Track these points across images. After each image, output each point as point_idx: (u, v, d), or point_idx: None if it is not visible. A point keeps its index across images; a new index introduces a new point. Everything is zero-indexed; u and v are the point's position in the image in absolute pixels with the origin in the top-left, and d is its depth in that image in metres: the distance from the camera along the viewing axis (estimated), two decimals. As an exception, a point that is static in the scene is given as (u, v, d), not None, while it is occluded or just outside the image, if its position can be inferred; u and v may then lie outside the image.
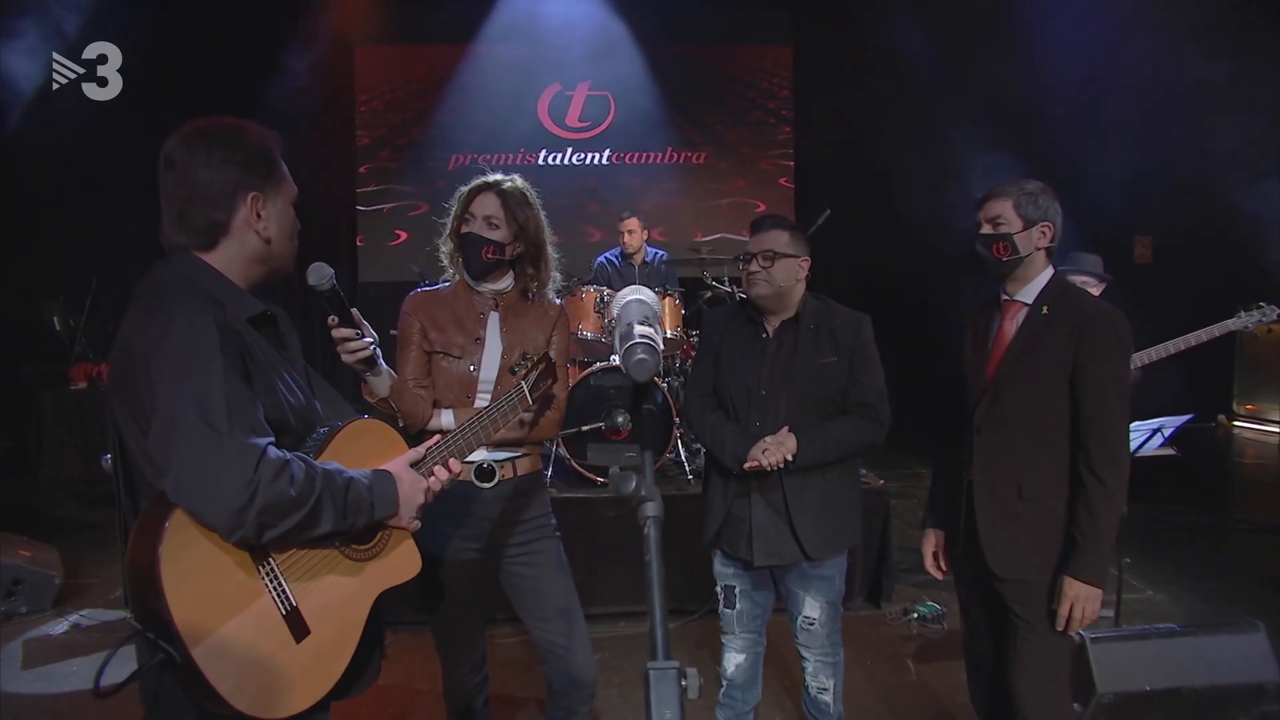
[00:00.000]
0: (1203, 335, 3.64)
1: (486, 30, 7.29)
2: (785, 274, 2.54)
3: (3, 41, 4.71)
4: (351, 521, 1.45)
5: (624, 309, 1.24)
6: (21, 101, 4.89)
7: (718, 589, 2.76)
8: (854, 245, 7.40)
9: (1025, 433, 2.25)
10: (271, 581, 1.41)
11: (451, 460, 1.75)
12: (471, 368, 2.27)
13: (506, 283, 2.36)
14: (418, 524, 1.64)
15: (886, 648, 3.84)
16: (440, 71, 7.44)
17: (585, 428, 4.24)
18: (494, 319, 2.33)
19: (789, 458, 2.40)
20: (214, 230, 1.50)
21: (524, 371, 2.03)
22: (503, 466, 2.29)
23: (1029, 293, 2.30)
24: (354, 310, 1.93)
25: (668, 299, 4.68)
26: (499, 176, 2.34)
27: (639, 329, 1.11)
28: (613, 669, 3.69)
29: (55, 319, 7.23)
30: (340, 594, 1.50)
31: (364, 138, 7.66)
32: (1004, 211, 2.27)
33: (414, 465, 1.65)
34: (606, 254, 5.66)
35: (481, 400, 2.28)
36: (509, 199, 2.29)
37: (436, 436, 1.80)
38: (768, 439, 2.44)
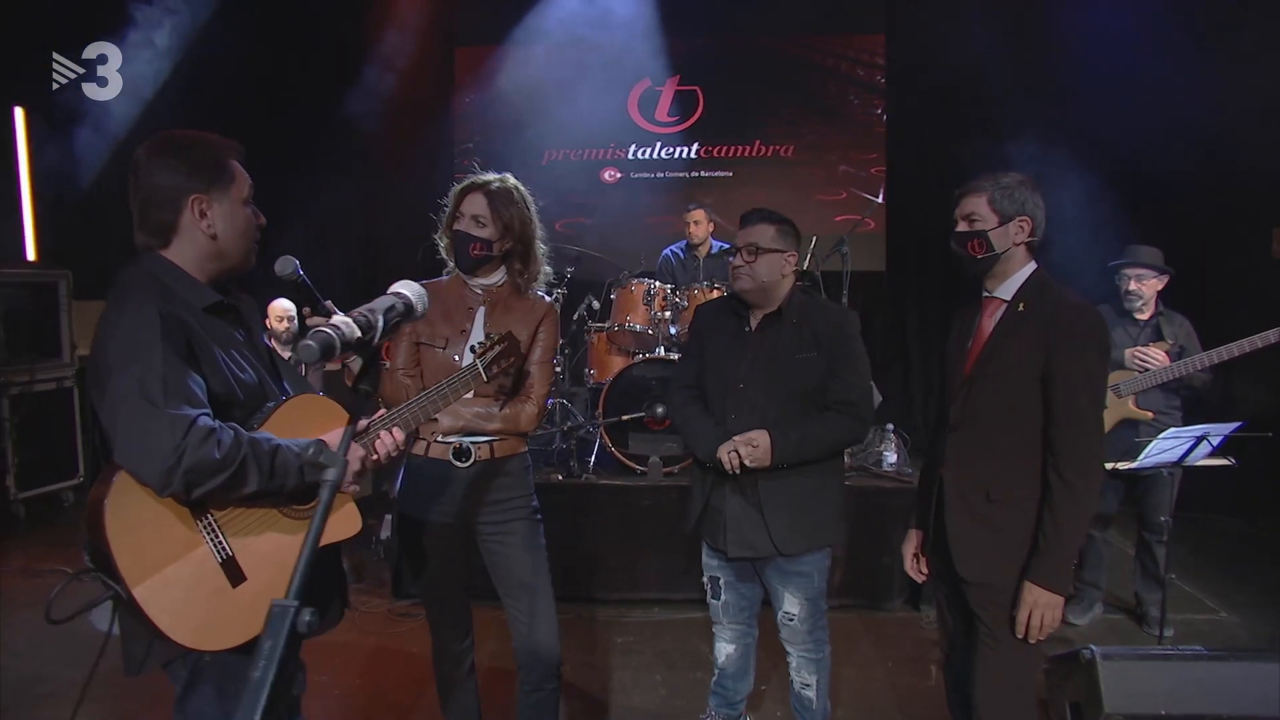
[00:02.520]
0: (1270, 336, 3.41)
1: (579, 28, 7.47)
2: (768, 269, 2.58)
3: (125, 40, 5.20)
4: (279, 483, 1.63)
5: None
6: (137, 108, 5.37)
7: (704, 579, 2.83)
8: (948, 238, 7.16)
9: (997, 432, 2.22)
10: (209, 533, 1.62)
11: (396, 430, 1.89)
12: (456, 357, 2.42)
13: (498, 277, 2.49)
14: (356, 488, 1.80)
15: (914, 650, 3.79)
16: (534, 69, 7.67)
17: (626, 417, 4.36)
18: (481, 312, 2.47)
19: (746, 463, 2.45)
20: (165, 229, 1.72)
21: (483, 349, 2.14)
22: (478, 448, 2.42)
23: (1007, 289, 2.25)
24: (328, 301, 2.11)
25: (716, 291, 4.73)
26: (489, 176, 2.46)
27: (338, 316, 1.22)
28: (633, 652, 3.81)
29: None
30: (277, 547, 1.70)
31: (461, 134, 8.01)
32: (978, 208, 2.24)
33: (354, 435, 1.82)
34: (671, 247, 5.74)
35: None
36: (495, 198, 2.41)
37: (381, 411, 1.95)
38: (737, 438, 2.50)
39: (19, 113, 5.76)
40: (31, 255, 5.98)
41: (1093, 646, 2.83)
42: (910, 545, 2.55)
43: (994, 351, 2.23)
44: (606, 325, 4.92)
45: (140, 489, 1.54)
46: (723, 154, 7.83)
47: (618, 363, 4.84)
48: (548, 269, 2.56)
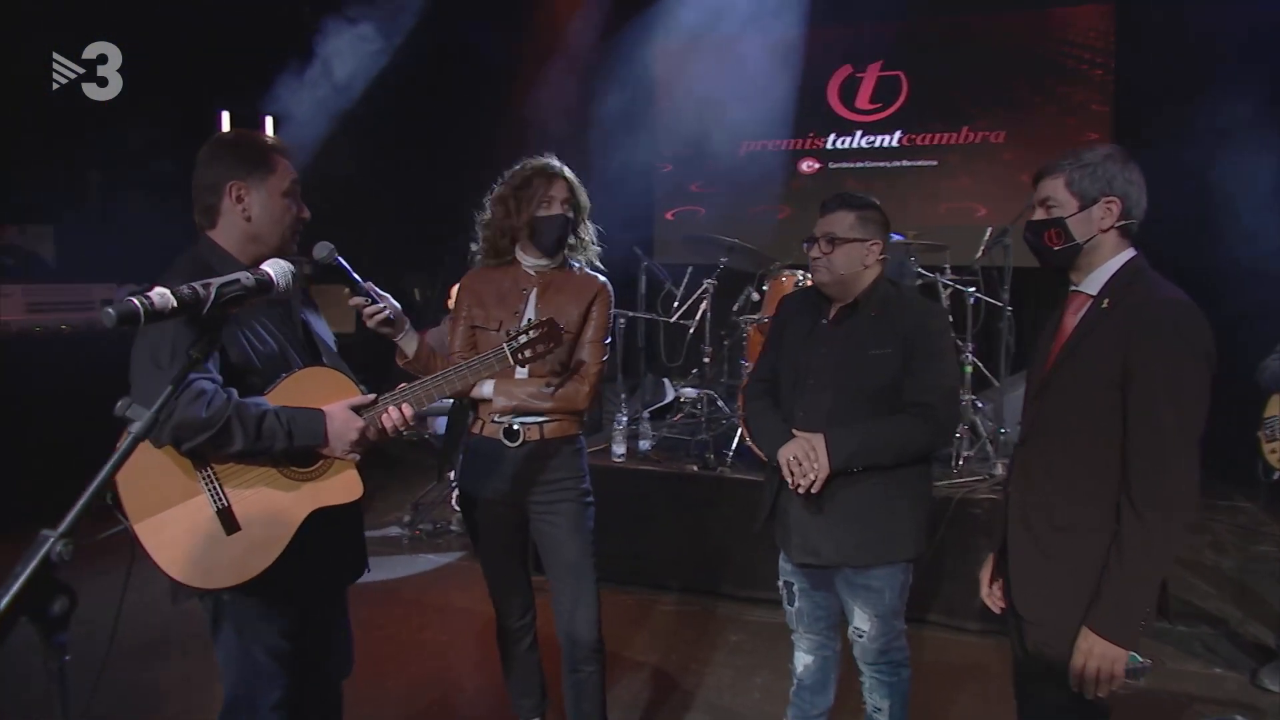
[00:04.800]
0: None
1: (778, 15, 7.30)
2: (847, 260, 2.39)
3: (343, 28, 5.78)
4: (266, 445, 1.77)
5: None
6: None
7: (779, 583, 2.69)
8: (1178, 234, 6.22)
9: (1068, 448, 1.90)
10: (209, 484, 1.79)
11: (405, 406, 1.98)
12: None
13: (556, 259, 2.54)
14: (356, 456, 1.91)
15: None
16: (732, 59, 7.60)
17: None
18: (534, 294, 2.51)
19: (803, 485, 2.30)
20: (210, 211, 1.94)
21: (516, 333, 2.17)
22: (527, 429, 2.47)
23: (1093, 283, 1.91)
24: (369, 282, 2.22)
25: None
26: (557, 161, 2.54)
27: (157, 289, 1.24)
28: (741, 652, 3.71)
29: (416, 290, 8.75)
30: (273, 504, 1.84)
31: (662, 130, 8.08)
32: (1055, 192, 1.92)
33: (359, 408, 1.92)
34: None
35: (520, 372, 2.48)
36: (572, 183, 2.53)
37: (402, 384, 2.03)
38: (791, 446, 2.34)
39: (269, 121, 6.65)
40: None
41: (1238, 717, 2.35)
42: (987, 570, 2.25)
43: (1070, 355, 1.91)
44: (758, 317, 4.80)
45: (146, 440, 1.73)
46: (927, 142, 7.36)
47: (767, 356, 4.70)
48: (596, 247, 2.61)
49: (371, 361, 2.42)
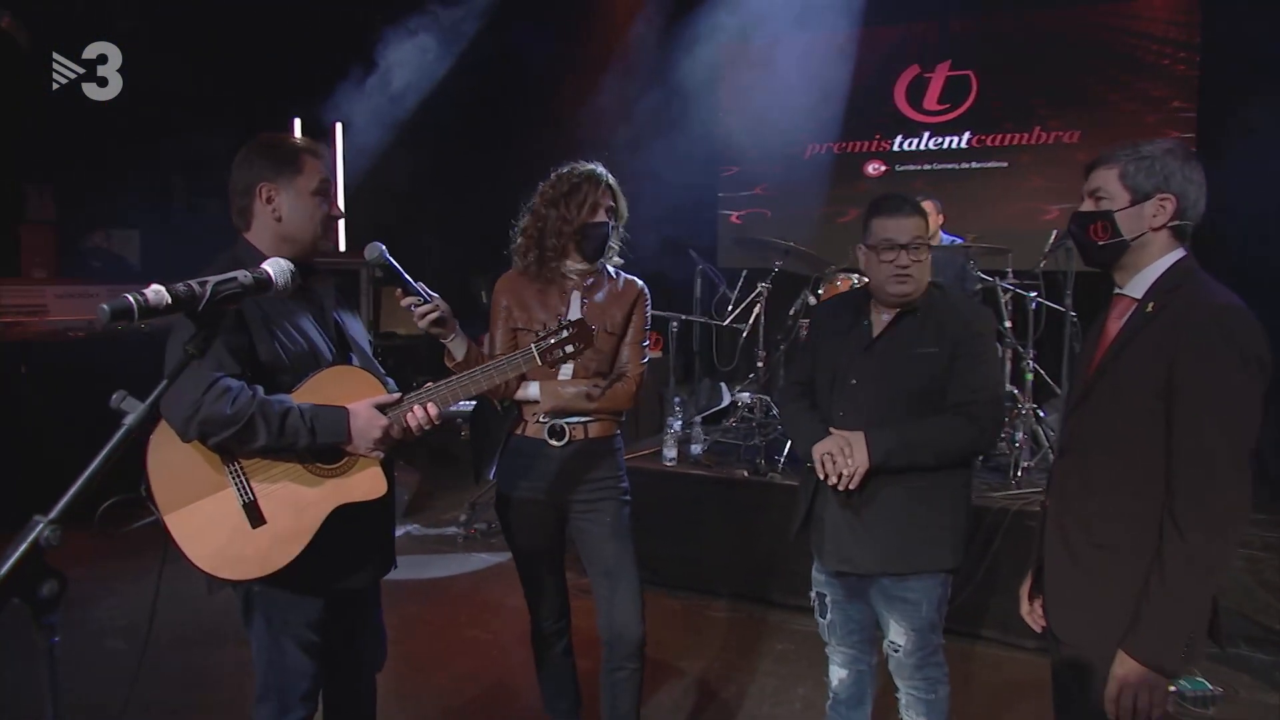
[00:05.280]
0: None
1: (843, 16, 7.19)
2: (930, 266, 2.35)
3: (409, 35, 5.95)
4: (289, 441, 1.81)
5: None
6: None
7: (811, 594, 2.63)
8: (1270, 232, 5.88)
9: (1108, 462, 1.80)
10: (236, 478, 1.84)
11: (430, 405, 1.99)
12: None
13: (593, 264, 2.55)
14: (380, 453, 1.94)
15: (1111, 717, 3.18)
16: (797, 61, 7.50)
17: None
18: (576, 296, 2.52)
19: (841, 480, 2.24)
20: (245, 213, 2.00)
21: (545, 334, 2.16)
22: (573, 428, 2.49)
23: (1139, 285, 1.81)
24: (420, 283, 2.25)
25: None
26: (603, 168, 2.56)
27: (153, 286, 1.25)
28: (787, 661, 3.65)
29: (483, 293, 8.92)
30: (298, 499, 1.88)
31: (724, 132, 8.02)
32: (1106, 183, 1.83)
33: (384, 406, 1.95)
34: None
35: (565, 372, 2.49)
36: (615, 190, 2.55)
37: (428, 384, 2.05)
38: (830, 438, 2.29)
39: (339, 128, 6.86)
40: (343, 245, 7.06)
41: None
42: (1026, 587, 2.16)
43: (1112, 362, 1.81)
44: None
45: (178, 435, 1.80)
46: (997, 143, 7.12)
47: (822, 361, 4.62)
48: (619, 259, 2.64)
49: (439, 364, 2.45)
